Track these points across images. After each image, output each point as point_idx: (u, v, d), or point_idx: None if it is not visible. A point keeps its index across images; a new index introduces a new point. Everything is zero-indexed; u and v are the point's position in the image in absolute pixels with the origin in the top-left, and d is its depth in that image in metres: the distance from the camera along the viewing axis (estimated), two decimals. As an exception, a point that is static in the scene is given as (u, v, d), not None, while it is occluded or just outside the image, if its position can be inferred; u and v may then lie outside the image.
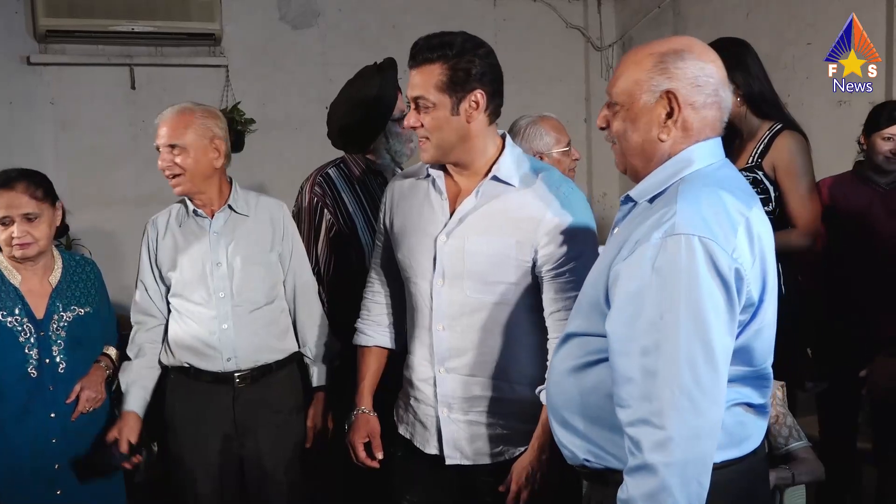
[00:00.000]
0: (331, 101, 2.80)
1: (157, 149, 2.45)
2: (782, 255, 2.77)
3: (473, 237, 1.92)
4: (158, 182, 4.23)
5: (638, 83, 1.49)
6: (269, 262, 2.47)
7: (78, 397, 2.35)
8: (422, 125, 1.90)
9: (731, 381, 1.44)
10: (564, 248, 1.88)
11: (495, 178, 1.92)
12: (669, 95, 1.47)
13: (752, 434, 1.55)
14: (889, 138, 2.96)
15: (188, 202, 2.48)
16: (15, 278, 2.37)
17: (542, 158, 2.87)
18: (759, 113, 2.77)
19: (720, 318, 1.37)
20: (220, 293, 2.41)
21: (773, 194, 2.72)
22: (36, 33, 4.08)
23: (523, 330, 1.95)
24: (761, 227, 1.45)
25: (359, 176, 2.74)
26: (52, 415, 2.34)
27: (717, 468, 1.42)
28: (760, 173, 2.72)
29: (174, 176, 2.41)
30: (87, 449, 2.41)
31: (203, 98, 3.41)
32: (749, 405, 1.53)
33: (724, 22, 4.19)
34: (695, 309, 1.35)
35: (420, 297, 2.01)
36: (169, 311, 2.48)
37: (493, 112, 1.93)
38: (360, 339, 2.23)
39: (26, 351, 2.32)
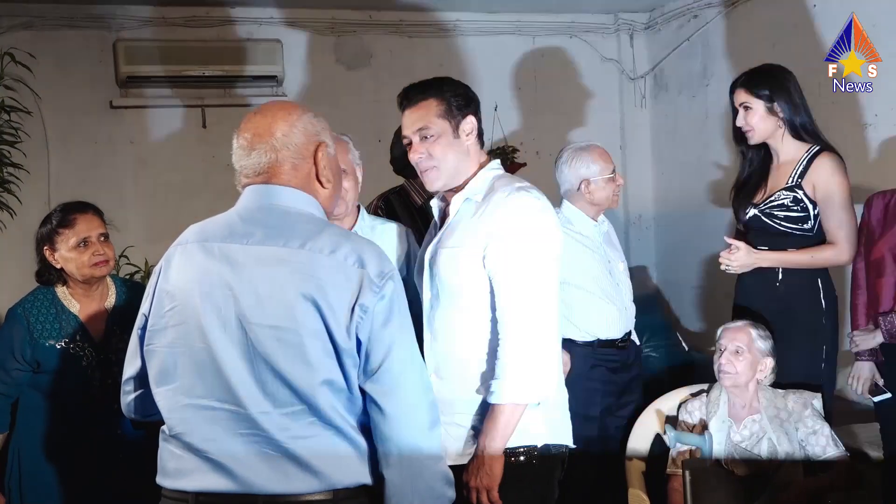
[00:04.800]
0: (383, 135, 2.80)
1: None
2: (821, 269, 2.67)
3: (442, 249, 1.93)
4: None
5: None
6: None
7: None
8: (430, 154, 1.89)
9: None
10: (508, 251, 1.83)
11: (466, 196, 1.93)
12: None
13: (188, 471, 1.43)
14: None
15: None
16: (73, 306, 2.36)
17: (588, 184, 2.83)
18: (797, 136, 2.70)
19: None
20: None
21: (812, 212, 2.65)
22: (118, 79, 4.17)
23: (484, 331, 1.87)
24: (182, 259, 1.56)
25: (419, 203, 2.72)
26: (119, 431, 2.34)
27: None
28: (801, 192, 2.65)
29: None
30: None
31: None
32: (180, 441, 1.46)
33: (752, 52, 4.03)
34: None
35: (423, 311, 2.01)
36: None
37: (479, 137, 1.97)
38: None
39: (90, 373, 2.32)
